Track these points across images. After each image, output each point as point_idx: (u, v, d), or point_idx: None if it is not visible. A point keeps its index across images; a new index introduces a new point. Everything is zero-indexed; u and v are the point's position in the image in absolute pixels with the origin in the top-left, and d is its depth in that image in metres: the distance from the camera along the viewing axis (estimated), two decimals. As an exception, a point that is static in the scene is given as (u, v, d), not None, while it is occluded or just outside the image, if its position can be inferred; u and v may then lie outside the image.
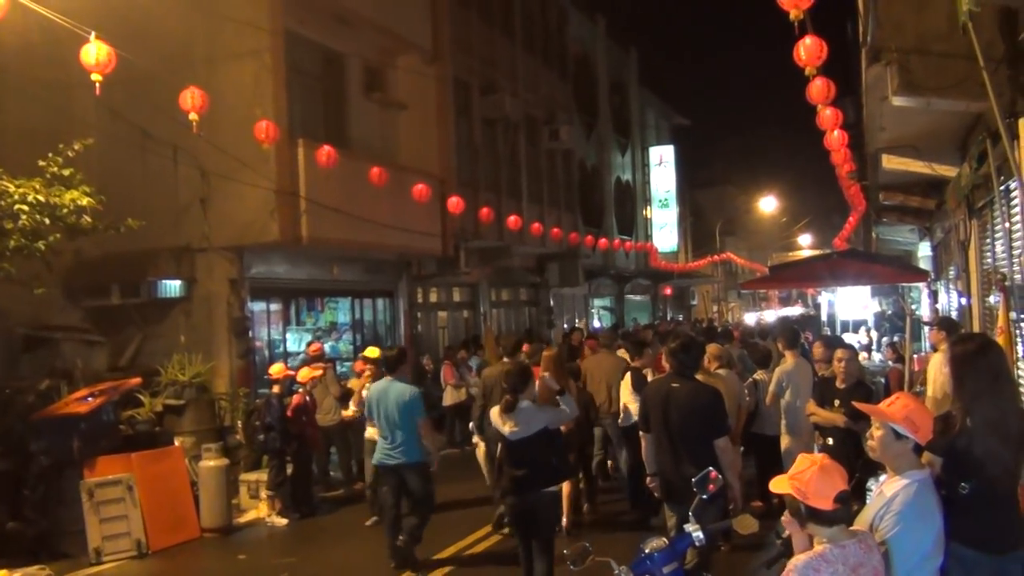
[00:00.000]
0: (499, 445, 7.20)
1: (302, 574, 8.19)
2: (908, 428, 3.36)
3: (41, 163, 9.37)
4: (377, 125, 15.78)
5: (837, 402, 7.16)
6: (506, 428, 6.36)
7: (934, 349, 8.96)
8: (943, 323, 9.07)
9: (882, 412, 3.43)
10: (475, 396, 11.05)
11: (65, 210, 9.21)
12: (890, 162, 10.84)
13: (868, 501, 3.70)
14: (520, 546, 6.58)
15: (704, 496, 4.07)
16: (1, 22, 7.05)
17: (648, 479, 6.24)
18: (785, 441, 8.29)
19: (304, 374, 10.65)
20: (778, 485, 3.15)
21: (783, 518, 3.14)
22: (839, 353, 7.54)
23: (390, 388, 7.95)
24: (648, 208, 33.70)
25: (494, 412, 6.57)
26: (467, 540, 8.75)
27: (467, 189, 17.10)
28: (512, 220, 17.60)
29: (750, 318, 36.44)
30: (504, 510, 7.52)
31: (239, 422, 11.77)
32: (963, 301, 11.39)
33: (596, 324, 27.75)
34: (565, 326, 23.95)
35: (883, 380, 13.90)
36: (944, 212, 12.26)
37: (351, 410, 10.79)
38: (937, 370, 8.04)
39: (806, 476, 3.06)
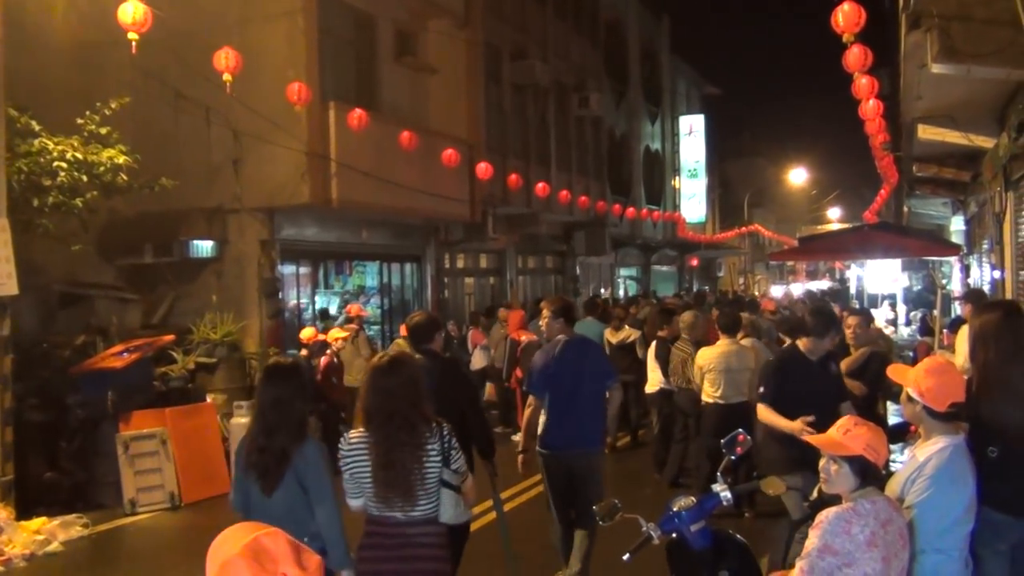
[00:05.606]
0: None
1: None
2: (915, 391, 3.41)
3: (79, 121, 9.49)
4: (407, 89, 15.76)
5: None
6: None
7: (964, 322, 8.92)
8: (971, 295, 9.01)
9: (901, 373, 3.54)
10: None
11: (102, 168, 9.34)
12: (926, 132, 10.71)
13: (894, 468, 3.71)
14: None
15: (732, 457, 4.11)
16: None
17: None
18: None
19: (333, 335, 10.75)
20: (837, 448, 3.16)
21: (823, 473, 3.13)
22: (849, 320, 7.16)
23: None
24: (677, 178, 33.45)
25: None
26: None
27: (496, 155, 17.07)
28: (540, 187, 17.56)
29: (777, 290, 36.19)
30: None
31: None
32: (996, 274, 11.28)
33: (621, 293, 27.71)
34: (591, 294, 23.96)
35: (912, 354, 13.84)
36: (979, 184, 12.10)
37: None
38: (963, 341, 8.00)
39: (876, 438, 3.09)
